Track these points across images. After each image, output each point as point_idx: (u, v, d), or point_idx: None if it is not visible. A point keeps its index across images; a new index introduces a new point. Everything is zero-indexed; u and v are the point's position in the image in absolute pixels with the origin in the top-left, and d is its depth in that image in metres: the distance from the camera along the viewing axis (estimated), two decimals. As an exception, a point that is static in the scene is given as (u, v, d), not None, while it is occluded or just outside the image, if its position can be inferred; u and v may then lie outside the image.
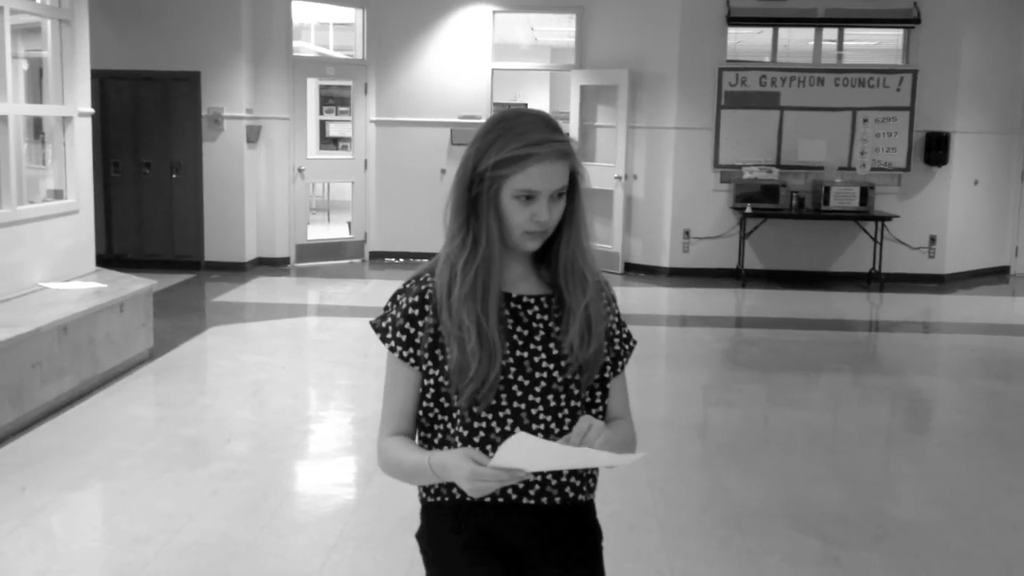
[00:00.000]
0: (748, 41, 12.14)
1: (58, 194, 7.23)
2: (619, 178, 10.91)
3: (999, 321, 9.41)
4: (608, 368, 1.92)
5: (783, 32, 11.00)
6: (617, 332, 1.95)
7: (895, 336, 8.95)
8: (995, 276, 11.26)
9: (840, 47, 11.26)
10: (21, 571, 3.75)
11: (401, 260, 11.37)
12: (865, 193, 10.31)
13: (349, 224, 11.95)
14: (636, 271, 11.03)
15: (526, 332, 1.85)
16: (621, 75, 10.80)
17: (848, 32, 11.08)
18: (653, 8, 10.74)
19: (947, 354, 8.29)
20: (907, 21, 10.51)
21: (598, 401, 1.92)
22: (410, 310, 1.85)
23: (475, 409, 1.82)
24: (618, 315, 1.97)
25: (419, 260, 11.20)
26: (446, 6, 11.22)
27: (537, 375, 1.83)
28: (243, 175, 10.53)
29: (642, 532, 4.17)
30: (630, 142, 10.94)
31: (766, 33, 11.00)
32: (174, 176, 10.50)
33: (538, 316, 1.87)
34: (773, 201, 10.42)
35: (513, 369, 1.82)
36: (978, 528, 4.36)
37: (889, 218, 10.40)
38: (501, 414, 1.83)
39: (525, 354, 1.84)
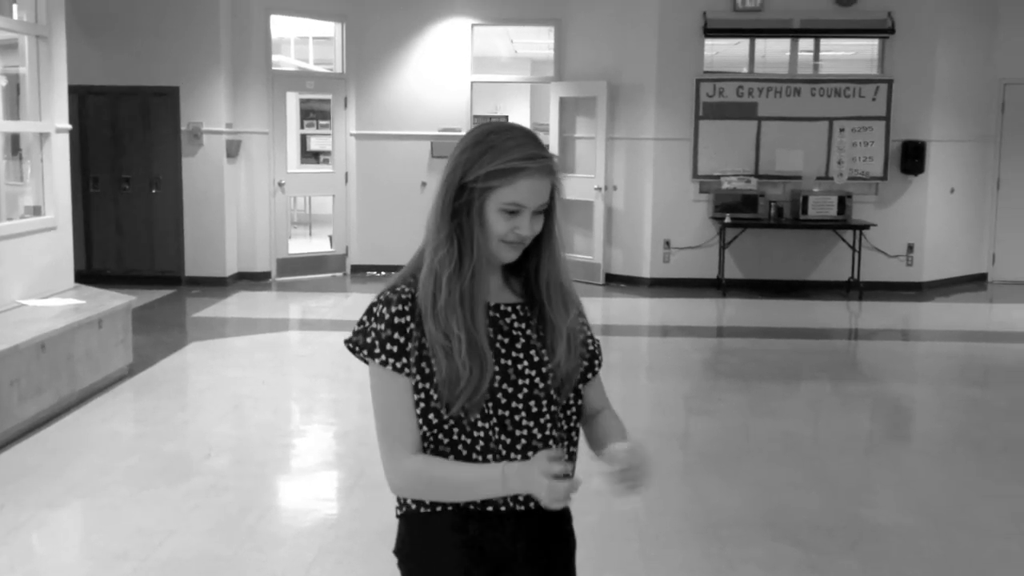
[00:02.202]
0: (725, 52, 12.23)
1: (36, 210, 7.20)
2: (599, 189, 10.95)
3: (977, 328, 9.49)
4: (586, 370, 1.96)
5: (760, 43, 11.09)
6: (589, 334, 1.99)
7: (874, 344, 9.02)
8: (972, 283, 11.35)
9: (816, 57, 11.36)
10: (-1, 590, 3.73)
11: (383, 273, 11.36)
12: (843, 202, 10.39)
13: (330, 238, 11.95)
14: (617, 282, 11.07)
15: (507, 340, 1.87)
16: (600, 87, 10.86)
17: (824, 43, 11.18)
18: (631, 20, 10.81)
19: (925, 361, 8.36)
20: (881, 31, 10.61)
21: (572, 402, 1.95)
22: (396, 319, 1.83)
23: (470, 418, 1.82)
24: (589, 326, 2.02)
25: (400, 273, 11.18)
26: (425, 19, 11.26)
27: (520, 382, 1.85)
28: (223, 190, 10.52)
29: (621, 542, 4.18)
30: (609, 153, 10.99)
31: (743, 44, 11.09)
32: (154, 191, 10.48)
33: (515, 324, 1.89)
34: (752, 211, 10.49)
35: (498, 377, 1.84)
36: (953, 534, 4.40)
37: (867, 227, 10.48)
38: (489, 423, 1.83)
39: (508, 362, 1.86)
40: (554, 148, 11.45)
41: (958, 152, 11.03)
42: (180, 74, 10.34)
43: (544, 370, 1.87)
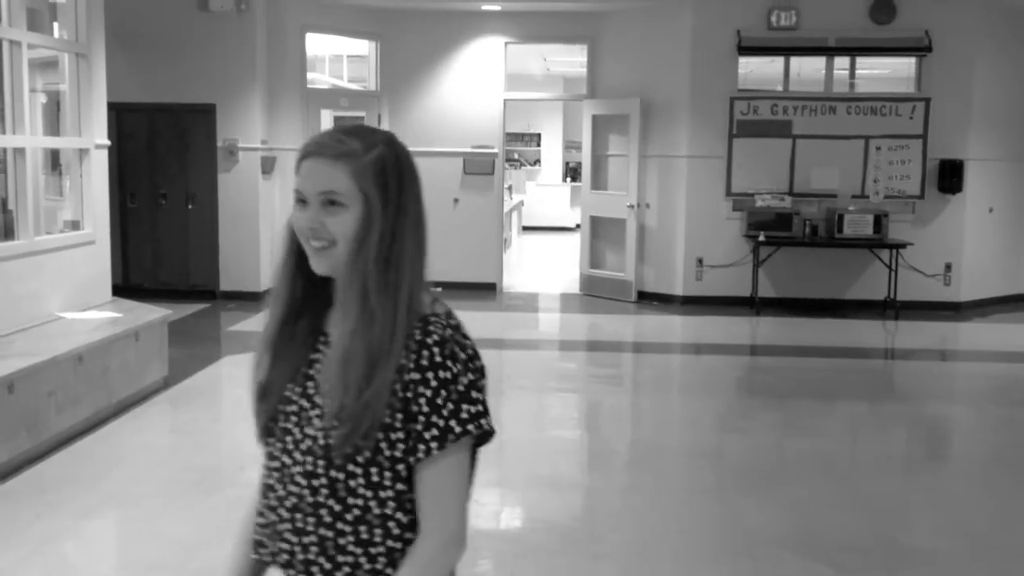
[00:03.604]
0: (760, 70, 12.19)
1: (75, 225, 7.31)
2: (632, 207, 10.93)
3: (1016, 348, 9.34)
4: (390, 447, 1.50)
5: (794, 61, 11.04)
6: (434, 404, 1.49)
7: (911, 364, 8.91)
8: (1011, 303, 11.18)
9: (852, 75, 11.29)
10: (34, 599, 3.76)
11: (415, 289, 11.37)
12: (879, 221, 10.29)
13: (363, 254, 11.98)
14: (649, 299, 11.02)
15: (314, 382, 1.58)
16: (633, 104, 10.85)
17: (860, 61, 11.11)
18: (664, 38, 10.81)
19: (963, 382, 8.24)
20: (919, 49, 10.53)
21: (389, 485, 1.51)
22: None
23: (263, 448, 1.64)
24: (447, 381, 1.50)
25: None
26: (458, 38, 11.33)
27: (308, 431, 1.55)
28: (258, 205, 10.61)
29: (653, 560, 4.14)
30: (642, 171, 10.97)
31: (777, 62, 11.04)
32: (190, 207, 10.59)
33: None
34: (786, 229, 10.42)
35: (294, 418, 1.58)
36: (991, 557, 4.32)
37: (904, 246, 10.37)
38: (274, 464, 1.60)
39: (306, 404, 1.58)
40: (587, 165, 11.49)
41: (997, 171, 10.91)
42: (216, 91, 10.46)
43: (318, 424, 1.53)
